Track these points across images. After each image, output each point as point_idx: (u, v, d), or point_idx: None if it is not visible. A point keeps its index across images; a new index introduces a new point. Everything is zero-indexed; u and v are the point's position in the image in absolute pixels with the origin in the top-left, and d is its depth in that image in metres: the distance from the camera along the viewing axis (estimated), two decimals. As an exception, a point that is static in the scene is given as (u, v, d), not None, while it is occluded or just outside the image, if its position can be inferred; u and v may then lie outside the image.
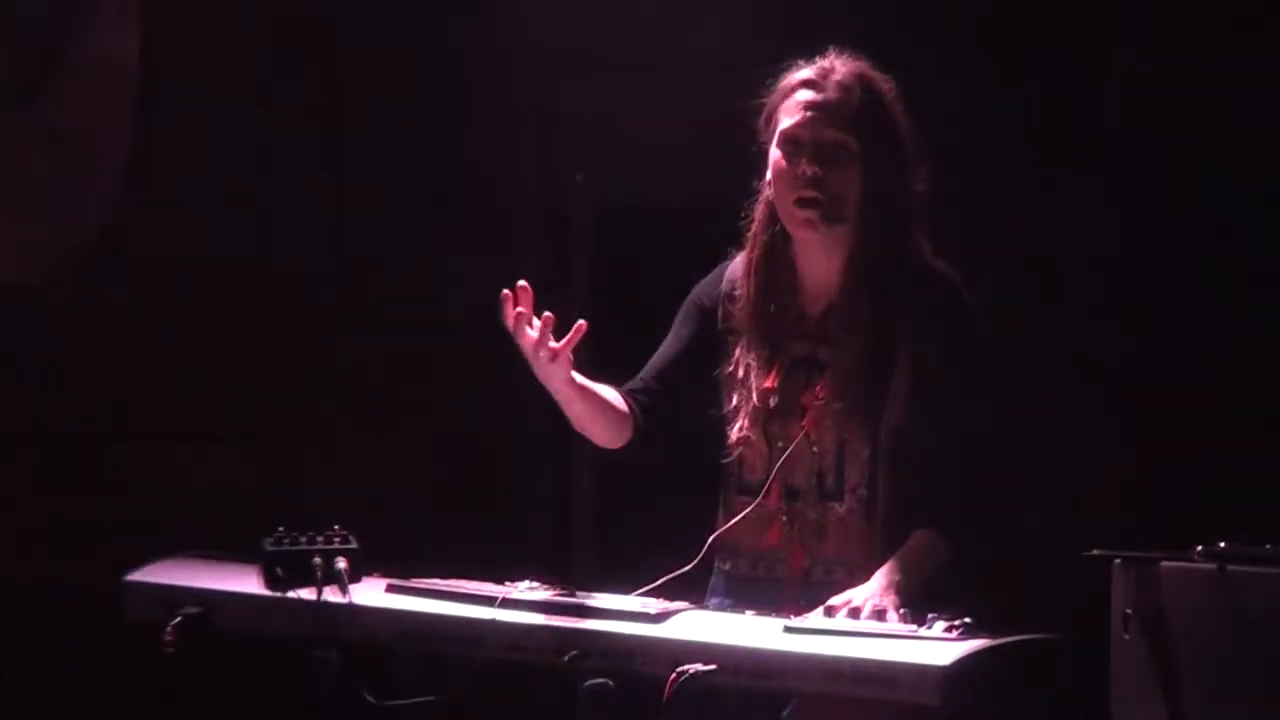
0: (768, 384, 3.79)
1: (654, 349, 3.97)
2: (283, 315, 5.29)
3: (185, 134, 5.23)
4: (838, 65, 3.76)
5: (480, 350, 5.31)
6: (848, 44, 3.80)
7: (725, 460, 3.83)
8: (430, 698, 3.54)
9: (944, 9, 4.91)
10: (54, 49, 5.16)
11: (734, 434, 3.82)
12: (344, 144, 5.30)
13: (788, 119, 3.74)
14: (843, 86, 3.73)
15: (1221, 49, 4.75)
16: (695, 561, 3.77)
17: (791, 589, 3.71)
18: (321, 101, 5.28)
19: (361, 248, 5.34)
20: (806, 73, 3.77)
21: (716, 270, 3.93)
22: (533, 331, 3.62)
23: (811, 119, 3.71)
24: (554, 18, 5.22)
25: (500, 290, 3.60)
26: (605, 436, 3.89)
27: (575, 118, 5.21)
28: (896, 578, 3.56)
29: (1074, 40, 4.91)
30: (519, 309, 3.61)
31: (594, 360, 5.28)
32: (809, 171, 3.69)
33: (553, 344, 3.63)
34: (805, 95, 3.74)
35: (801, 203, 3.71)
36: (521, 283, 3.62)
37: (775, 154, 3.76)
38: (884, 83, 3.77)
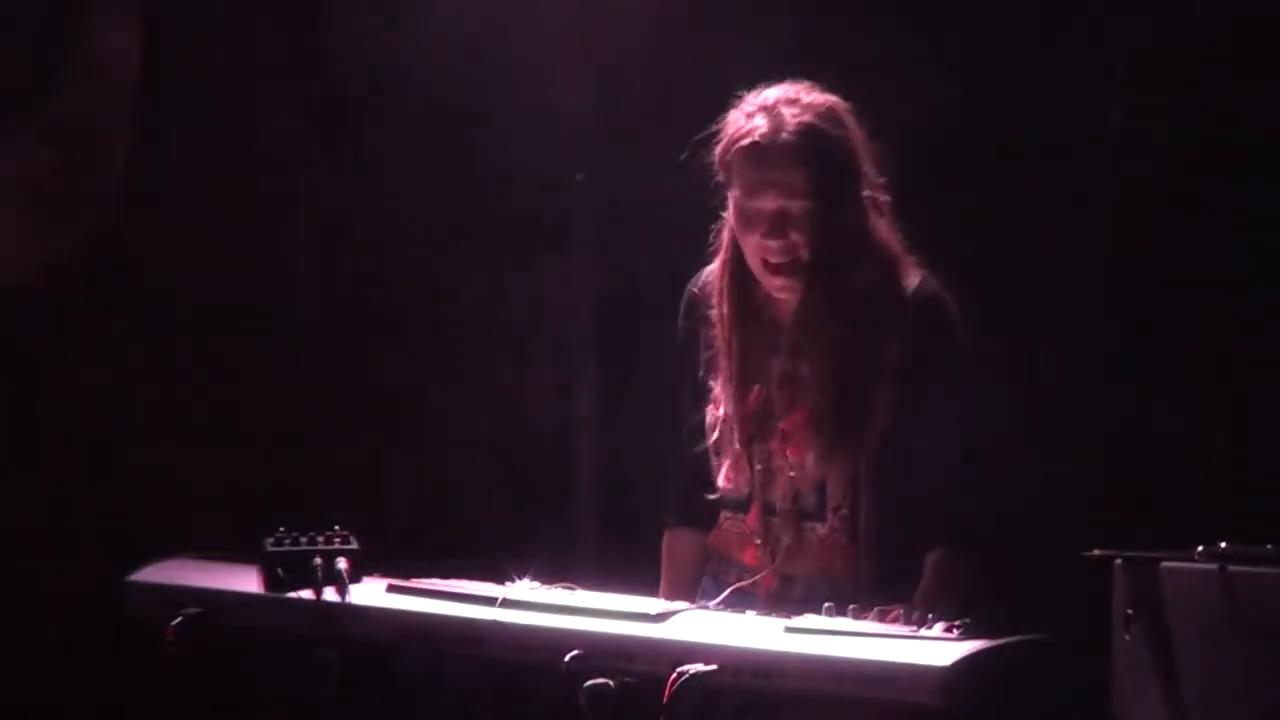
0: (749, 402, 3.81)
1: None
2: (282, 315, 5.28)
3: (185, 134, 5.22)
4: (784, 118, 3.71)
5: (481, 350, 5.33)
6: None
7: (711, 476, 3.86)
8: (430, 698, 3.55)
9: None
10: (54, 49, 5.15)
11: (716, 455, 3.84)
12: (344, 143, 5.30)
13: (739, 189, 3.75)
14: (789, 149, 3.70)
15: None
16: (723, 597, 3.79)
17: (768, 606, 3.69)
18: (323, 100, 5.28)
19: (362, 247, 5.34)
20: (751, 136, 3.72)
21: (685, 297, 3.94)
22: None
23: (763, 192, 3.71)
24: (554, 19, 5.23)
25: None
26: None
27: (575, 118, 5.22)
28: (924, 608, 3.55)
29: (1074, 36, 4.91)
30: None
31: (594, 359, 5.30)
32: (770, 244, 3.73)
33: None
34: (753, 168, 3.72)
35: (766, 266, 3.75)
36: None
37: (733, 212, 3.77)
38: (829, 119, 3.73)
